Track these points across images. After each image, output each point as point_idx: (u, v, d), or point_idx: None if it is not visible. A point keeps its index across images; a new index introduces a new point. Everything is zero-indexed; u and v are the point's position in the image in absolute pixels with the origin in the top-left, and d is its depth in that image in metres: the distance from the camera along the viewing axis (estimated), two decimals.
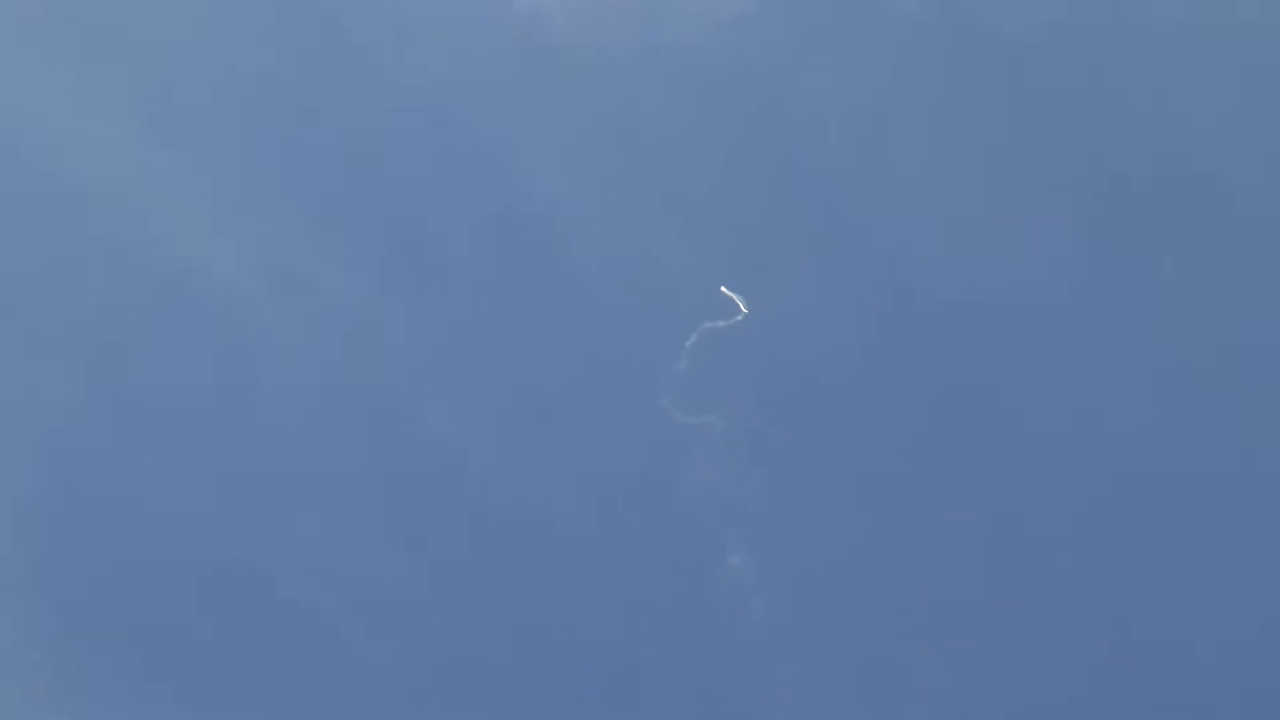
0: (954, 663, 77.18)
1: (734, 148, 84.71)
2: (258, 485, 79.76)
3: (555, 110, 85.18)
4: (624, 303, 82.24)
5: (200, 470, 79.88)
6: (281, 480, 79.88)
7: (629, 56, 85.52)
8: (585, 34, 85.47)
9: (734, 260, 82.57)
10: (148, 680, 76.91)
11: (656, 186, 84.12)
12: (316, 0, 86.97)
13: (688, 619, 78.79)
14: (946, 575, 78.63)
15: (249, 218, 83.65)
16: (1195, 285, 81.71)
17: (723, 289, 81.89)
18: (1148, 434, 79.96)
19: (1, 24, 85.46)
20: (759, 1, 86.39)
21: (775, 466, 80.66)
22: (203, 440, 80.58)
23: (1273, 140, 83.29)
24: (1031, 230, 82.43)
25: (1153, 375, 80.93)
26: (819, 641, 78.23)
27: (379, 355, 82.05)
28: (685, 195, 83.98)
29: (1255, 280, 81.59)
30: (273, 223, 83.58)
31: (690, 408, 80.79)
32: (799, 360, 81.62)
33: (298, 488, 79.72)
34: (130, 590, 78.32)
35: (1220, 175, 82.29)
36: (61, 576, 78.27)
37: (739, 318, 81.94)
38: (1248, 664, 75.76)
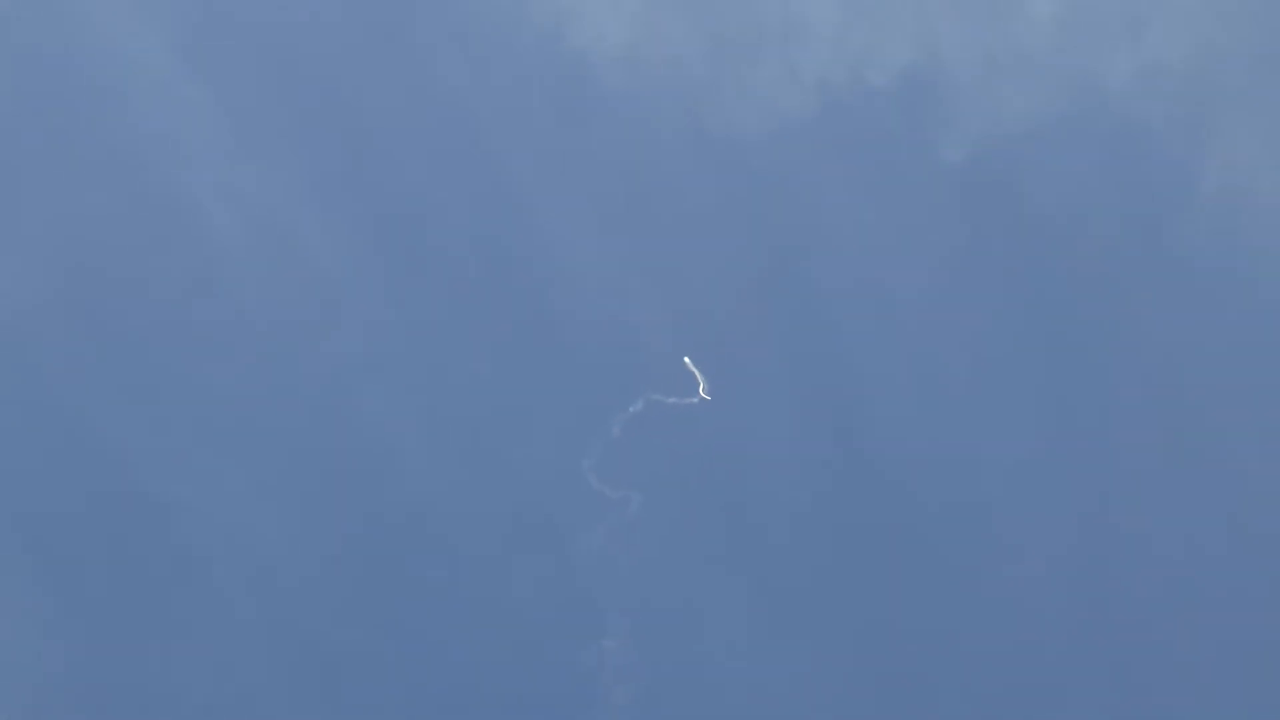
0: None
1: (741, 243, 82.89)
2: (182, 425, 78.75)
3: (578, 152, 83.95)
4: (583, 349, 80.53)
5: (133, 399, 78.97)
6: (207, 425, 78.80)
7: (664, 126, 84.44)
8: (628, 92, 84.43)
9: (705, 346, 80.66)
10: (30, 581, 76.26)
11: (654, 254, 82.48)
12: None
13: (549, 686, 76.37)
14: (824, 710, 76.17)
15: (253, 168, 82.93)
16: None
17: (686, 360, 79.73)
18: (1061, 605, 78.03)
19: None
20: (813, 117, 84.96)
21: (679, 563, 78.18)
22: (144, 372, 79.72)
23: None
24: (1001, 402, 79.96)
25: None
26: None
27: (334, 333, 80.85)
28: (678, 271, 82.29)
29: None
30: (273, 180, 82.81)
31: (609, 478, 78.37)
32: (736, 462, 79.23)
33: (220, 437, 78.64)
34: (27, 500, 77.65)
35: (1214, 403, 79.88)
36: None
37: (694, 400, 79.60)
38: None
